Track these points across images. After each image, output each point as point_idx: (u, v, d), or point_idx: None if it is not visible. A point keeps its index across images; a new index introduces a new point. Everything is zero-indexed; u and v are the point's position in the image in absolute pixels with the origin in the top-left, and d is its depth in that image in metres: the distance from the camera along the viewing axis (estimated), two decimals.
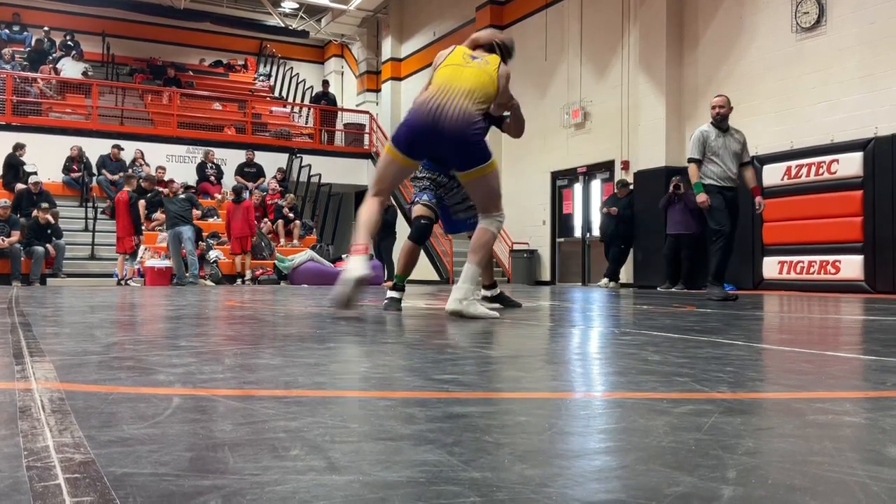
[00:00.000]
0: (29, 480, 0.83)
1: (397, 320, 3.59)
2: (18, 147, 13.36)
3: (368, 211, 3.75)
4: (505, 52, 4.10)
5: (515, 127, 4.45)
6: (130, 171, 14.13)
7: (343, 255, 14.58)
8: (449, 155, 3.74)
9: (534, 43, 14.17)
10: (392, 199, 14.17)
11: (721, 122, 6.39)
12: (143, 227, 13.14)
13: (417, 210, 4.45)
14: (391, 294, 4.30)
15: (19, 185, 12.97)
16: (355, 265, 3.48)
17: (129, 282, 11.56)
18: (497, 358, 2.13)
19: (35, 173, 13.09)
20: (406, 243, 4.47)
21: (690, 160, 6.39)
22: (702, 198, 6.33)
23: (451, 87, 3.63)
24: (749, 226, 10.16)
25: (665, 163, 11.15)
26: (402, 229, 14.62)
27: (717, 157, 6.33)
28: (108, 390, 1.48)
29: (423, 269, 14.17)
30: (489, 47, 4.06)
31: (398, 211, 14.34)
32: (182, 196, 11.93)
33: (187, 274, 11.61)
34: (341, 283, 3.48)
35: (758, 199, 6.63)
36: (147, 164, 15.02)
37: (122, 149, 14.70)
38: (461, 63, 3.77)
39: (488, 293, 4.75)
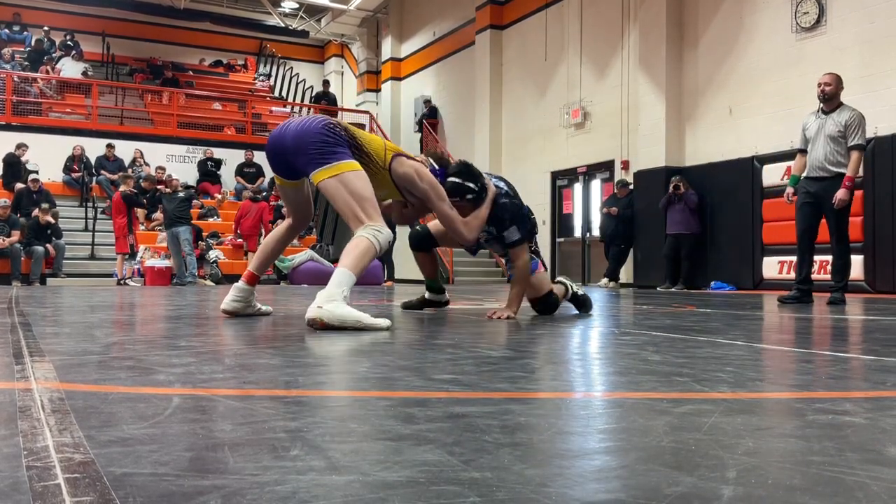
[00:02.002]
0: (29, 480, 0.83)
1: (397, 320, 3.59)
2: (19, 146, 13.38)
3: (270, 236, 3.86)
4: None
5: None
6: (130, 170, 14.13)
7: None
8: (295, 159, 3.27)
9: (534, 43, 14.17)
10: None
11: (825, 101, 5.69)
12: (143, 227, 13.16)
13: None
14: (427, 295, 4.43)
15: (19, 185, 12.97)
16: (227, 296, 3.66)
17: (128, 282, 11.56)
18: (497, 358, 2.13)
19: (36, 172, 13.09)
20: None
21: (797, 151, 5.92)
22: (787, 191, 5.84)
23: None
24: (749, 226, 10.19)
25: (665, 163, 11.15)
26: (403, 229, 14.61)
27: (810, 143, 5.67)
28: (108, 390, 1.48)
29: None
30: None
31: None
32: (181, 195, 11.90)
33: (186, 274, 11.60)
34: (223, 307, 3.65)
35: (839, 191, 5.51)
36: (147, 164, 15.02)
37: (114, 147, 14.70)
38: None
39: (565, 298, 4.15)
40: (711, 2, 10.89)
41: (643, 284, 11.42)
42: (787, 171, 9.56)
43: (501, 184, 3.86)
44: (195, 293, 7.66)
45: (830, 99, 5.70)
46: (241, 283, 3.65)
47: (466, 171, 3.69)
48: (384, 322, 2.90)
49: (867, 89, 8.79)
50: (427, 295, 4.44)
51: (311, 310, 2.86)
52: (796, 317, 4.30)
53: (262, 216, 13.52)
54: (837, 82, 5.74)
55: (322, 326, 2.84)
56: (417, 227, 4.29)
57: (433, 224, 4.10)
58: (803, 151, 5.85)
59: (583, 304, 4.16)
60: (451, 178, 3.63)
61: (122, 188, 11.70)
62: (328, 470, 0.90)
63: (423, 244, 4.23)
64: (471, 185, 3.63)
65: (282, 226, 3.83)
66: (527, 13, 14.49)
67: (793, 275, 9.46)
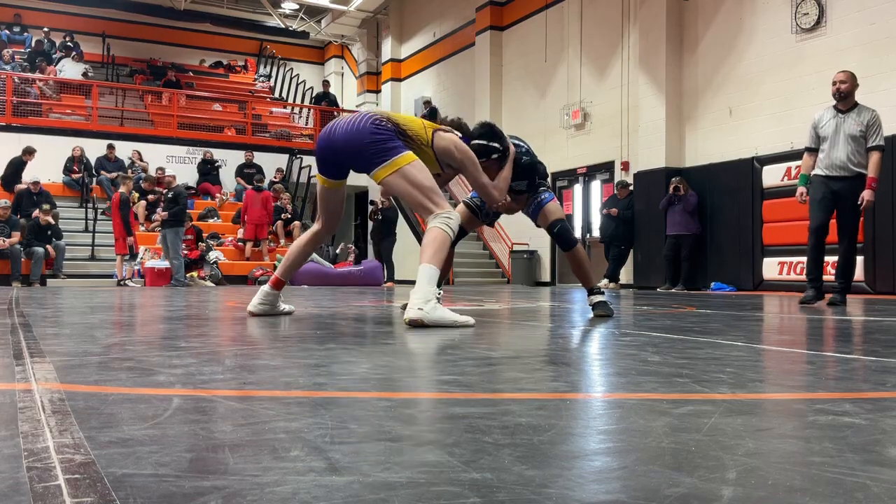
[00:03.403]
0: (29, 481, 0.83)
1: (397, 320, 3.59)
2: (28, 152, 13.27)
3: (295, 243, 3.93)
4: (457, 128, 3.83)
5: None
6: (130, 171, 14.12)
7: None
8: (350, 160, 3.43)
9: (534, 43, 14.18)
10: (393, 199, 14.17)
11: (840, 100, 5.63)
12: (143, 228, 13.15)
13: (457, 209, 4.36)
14: None
15: (19, 186, 12.97)
16: (254, 299, 3.77)
17: (128, 282, 11.55)
18: (497, 358, 2.13)
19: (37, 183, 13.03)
20: None
21: (805, 149, 5.85)
22: (798, 190, 5.75)
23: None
24: (749, 226, 10.19)
25: (665, 163, 11.16)
26: (402, 230, 14.61)
27: (825, 142, 5.61)
28: (109, 391, 1.48)
29: None
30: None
31: (398, 212, 14.32)
32: (171, 195, 11.83)
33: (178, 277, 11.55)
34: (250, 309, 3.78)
35: (865, 192, 5.52)
36: (146, 164, 15.01)
37: (114, 147, 14.70)
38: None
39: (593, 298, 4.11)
40: (711, 3, 10.90)
41: (643, 285, 11.42)
42: (788, 172, 9.57)
43: (521, 143, 4.04)
44: (196, 294, 7.66)
45: (846, 97, 5.62)
46: (267, 288, 3.77)
47: (490, 131, 3.83)
48: (470, 320, 3.15)
49: (867, 90, 8.77)
50: None
51: (412, 312, 3.05)
52: (797, 318, 4.30)
53: (268, 204, 13.87)
54: (853, 80, 5.68)
55: (422, 325, 3.05)
56: None
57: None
58: (812, 150, 5.75)
59: (601, 308, 4.12)
60: (476, 140, 3.77)
61: (121, 189, 11.70)
62: (328, 471, 0.90)
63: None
64: (495, 144, 3.80)
65: (306, 233, 3.91)
66: (527, 14, 14.50)
67: (793, 275, 9.49)
